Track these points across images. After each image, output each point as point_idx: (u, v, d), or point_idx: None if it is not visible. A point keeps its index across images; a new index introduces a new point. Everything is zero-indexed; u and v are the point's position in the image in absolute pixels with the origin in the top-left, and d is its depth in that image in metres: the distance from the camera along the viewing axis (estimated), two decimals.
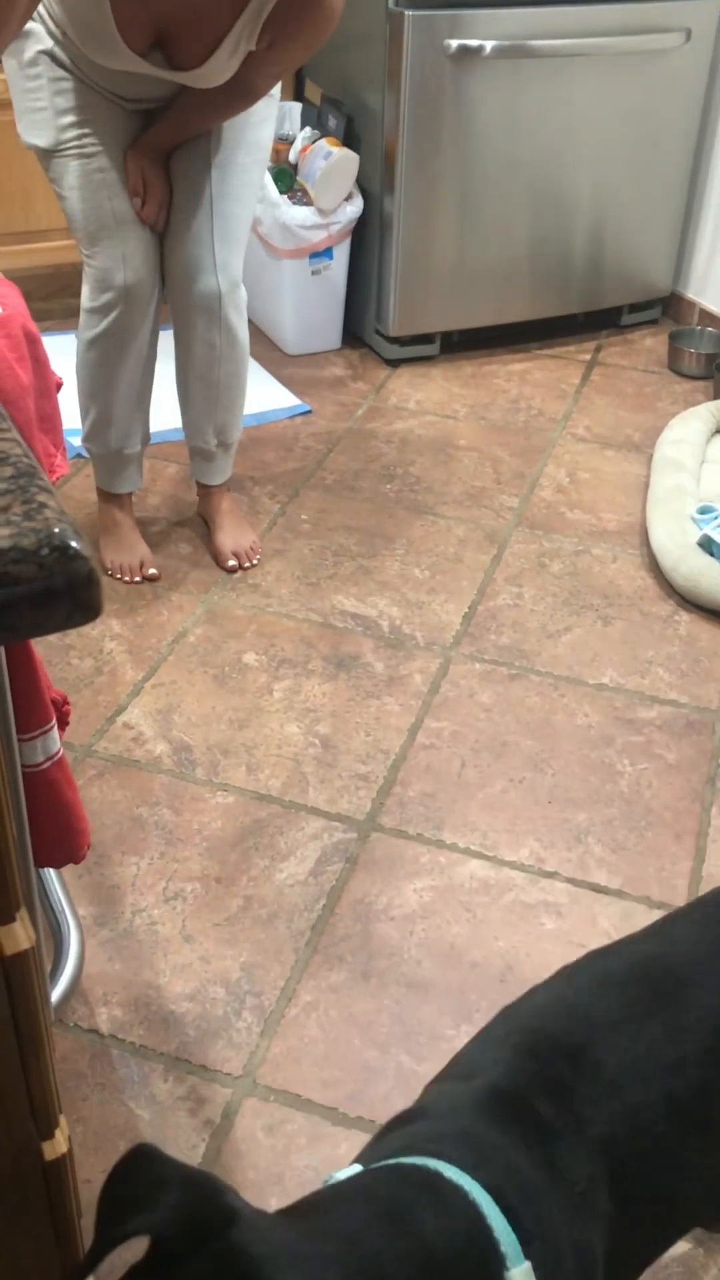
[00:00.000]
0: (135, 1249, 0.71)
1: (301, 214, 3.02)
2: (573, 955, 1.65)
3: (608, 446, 2.88)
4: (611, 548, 2.53)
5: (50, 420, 1.17)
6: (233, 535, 2.44)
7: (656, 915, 1.72)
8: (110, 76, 1.99)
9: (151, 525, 2.53)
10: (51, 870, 1.69)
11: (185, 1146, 1.42)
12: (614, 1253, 0.87)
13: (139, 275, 2.13)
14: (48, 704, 1.13)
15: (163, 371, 2.35)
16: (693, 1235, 1.36)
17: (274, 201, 3.03)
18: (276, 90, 2.16)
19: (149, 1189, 0.70)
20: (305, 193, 3.05)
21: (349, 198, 3.04)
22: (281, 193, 3.05)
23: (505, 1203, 0.81)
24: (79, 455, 2.54)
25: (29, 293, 1.29)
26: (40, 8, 1.95)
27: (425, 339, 3.20)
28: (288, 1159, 1.42)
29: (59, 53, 1.98)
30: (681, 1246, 1.35)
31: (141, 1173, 0.72)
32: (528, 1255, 0.79)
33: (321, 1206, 0.79)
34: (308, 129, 3.14)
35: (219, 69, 1.93)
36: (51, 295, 3.25)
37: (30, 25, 1.97)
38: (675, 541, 2.41)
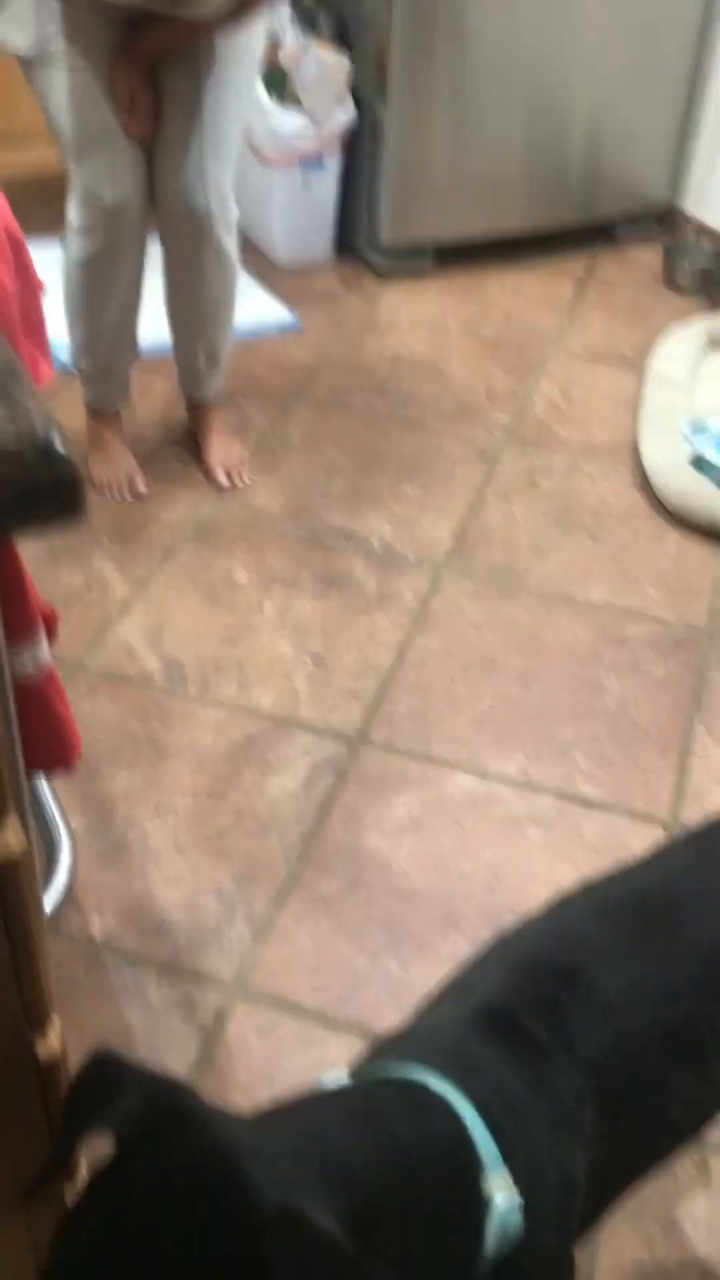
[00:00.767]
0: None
1: (292, 121, 2.94)
2: (559, 867, 1.69)
3: (601, 362, 2.85)
4: (603, 465, 2.51)
5: (35, 326, 1.15)
6: (223, 450, 2.42)
7: (640, 828, 1.75)
8: None
9: (140, 442, 2.51)
10: (44, 783, 1.70)
11: (178, 1050, 1.46)
12: (596, 1173, 0.89)
13: (126, 193, 2.08)
14: (36, 614, 1.12)
15: (152, 283, 2.30)
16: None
17: (264, 109, 2.95)
18: None
19: (108, 1091, 0.71)
20: (296, 99, 2.97)
21: (340, 104, 2.97)
22: (272, 99, 2.97)
23: (489, 1115, 0.82)
24: (65, 370, 2.50)
25: (13, 199, 1.26)
26: None
27: (418, 251, 3.14)
28: (278, 1061, 1.45)
29: None
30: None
31: (102, 1076, 0.73)
32: (508, 1166, 0.80)
33: (293, 1109, 0.80)
34: (297, 30, 3.04)
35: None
36: (36, 203, 3.17)
37: None
38: (667, 459, 2.39)
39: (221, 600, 2.13)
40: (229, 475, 2.40)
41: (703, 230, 3.28)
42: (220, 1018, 1.49)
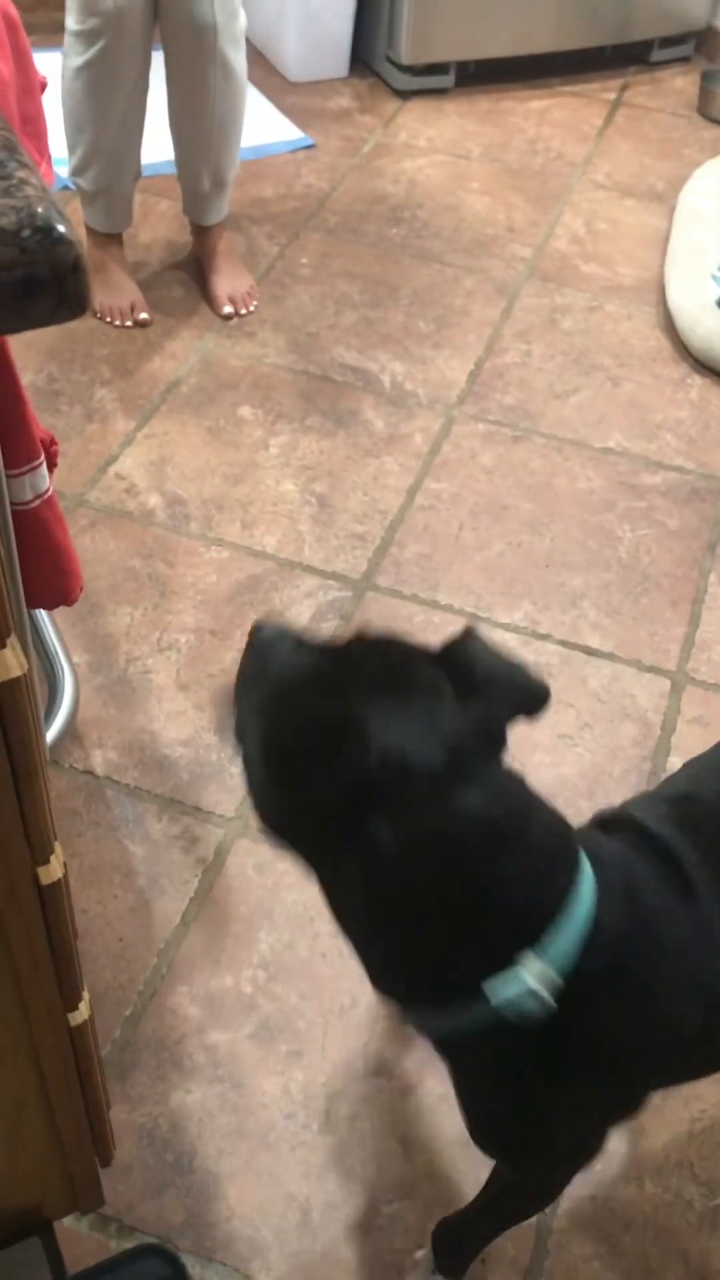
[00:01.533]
0: None
1: None
2: (563, 716, 1.67)
3: (628, 195, 2.71)
4: (626, 305, 2.41)
5: (34, 123, 1.07)
6: (229, 279, 2.32)
7: (646, 680, 1.73)
8: None
9: (143, 266, 2.39)
10: (45, 617, 1.67)
11: (179, 882, 1.47)
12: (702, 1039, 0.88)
13: None
14: (35, 439, 1.07)
15: (155, 98, 2.16)
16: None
17: None
18: None
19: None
20: None
21: None
22: None
23: (610, 884, 0.82)
24: (66, 188, 2.38)
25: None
26: None
27: (440, 69, 2.96)
28: (277, 895, 1.46)
29: None
30: None
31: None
32: (600, 910, 0.81)
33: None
34: None
35: None
36: (36, 6, 2.97)
37: None
38: (693, 301, 2.29)
39: (225, 436, 2.06)
40: (234, 304, 2.30)
41: None
42: (220, 853, 1.50)
